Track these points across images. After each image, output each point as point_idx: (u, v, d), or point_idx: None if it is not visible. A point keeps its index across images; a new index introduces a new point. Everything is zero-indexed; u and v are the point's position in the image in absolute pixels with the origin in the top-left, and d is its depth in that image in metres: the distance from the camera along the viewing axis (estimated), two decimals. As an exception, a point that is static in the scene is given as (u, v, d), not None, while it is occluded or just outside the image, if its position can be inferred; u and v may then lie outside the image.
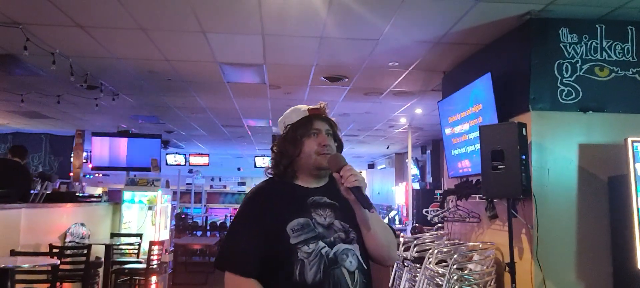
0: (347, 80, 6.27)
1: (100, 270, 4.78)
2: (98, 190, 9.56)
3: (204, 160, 14.85)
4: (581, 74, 3.95)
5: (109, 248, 5.58)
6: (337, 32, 4.53)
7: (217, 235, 12.78)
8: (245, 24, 4.43)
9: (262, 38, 4.76)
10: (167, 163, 14.19)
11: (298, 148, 1.71)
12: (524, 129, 3.71)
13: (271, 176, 1.78)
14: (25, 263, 4.12)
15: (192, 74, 6.24)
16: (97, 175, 14.66)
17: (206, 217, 14.76)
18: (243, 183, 26.84)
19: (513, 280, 3.67)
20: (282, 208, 1.63)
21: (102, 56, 5.39)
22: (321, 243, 1.58)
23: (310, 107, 1.80)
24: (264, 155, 14.41)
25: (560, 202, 3.84)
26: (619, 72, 3.96)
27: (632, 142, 3.51)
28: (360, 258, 1.64)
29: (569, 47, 3.96)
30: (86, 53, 5.30)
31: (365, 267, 1.65)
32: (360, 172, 1.81)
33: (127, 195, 7.15)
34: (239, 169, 20.78)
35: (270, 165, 1.80)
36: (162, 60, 5.52)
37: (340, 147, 1.82)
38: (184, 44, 5.03)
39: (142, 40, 4.85)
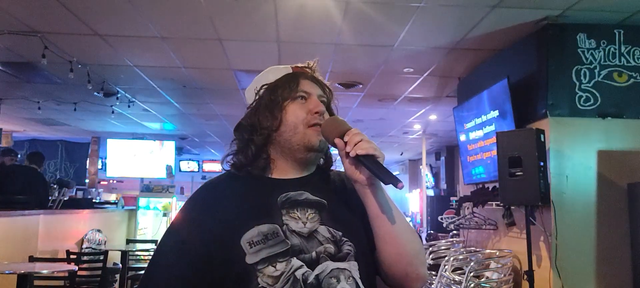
0: (361, 86, 6.27)
1: (117, 276, 4.81)
2: (113, 197, 9.65)
3: (217, 166, 14.92)
4: (599, 79, 3.91)
5: (125, 254, 5.62)
6: (352, 38, 4.53)
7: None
8: (261, 31, 4.45)
9: (278, 45, 4.78)
10: (180, 170, 14.28)
11: (277, 117, 1.17)
12: (542, 135, 3.68)
13: (231, 168, 1.21)
14: (43, 269, 4.16)
15: (207, 81, 6.28)
16: (112, 181, 14.78)
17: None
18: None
19: (532, 288, 3.63)
20: (235, 211, 1.10)
21: (120, 64, 5.45)
22: (295, 262, 1.04)
23: (296, 64, 1.29)
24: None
25: (579, 209, 3.80)
26: (638, 77, 3.91)
27: (653, 148, 3.47)
28: (359, 283, 1.07)
29: (587, 53, 3.93)
30: (104, 61, 5.36)
31: None
32: None
33: (142, 201, 7.20)
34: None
35: (231, 151, 1.22)
36: (178, 67, 5.57)
37: None
38: (200, 51, 5.07)
39: (160, 48, 4.90)
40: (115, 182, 15.18)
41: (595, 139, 3.87)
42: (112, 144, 10.39)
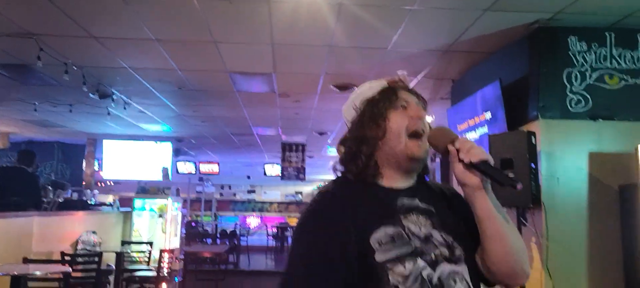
0: (356, 88, 6.28)
1: (111, 278, 4.82)
2: (109, 198, 9.65)
3: (214, 168, 14.94)
4: (591, 82, 3.94)
5: (119, 255, 5.63)
6: (345, 41, 4.56)
7: (227, 242, 12.81)
8: (255, 34, 4.47)
9: (272, 47, 4.80)
10: (177, 172, 14.29)
11: (382, 127, 1.23)
12: (533, 138, 3.70)
13: (341, 175, 1.29)
14: (37, 270, 4.17)
15: (203, 84, 6.30)
16: (108, 183, 14.78)
17: (216, 225, 14.78)
18: (253, 191, 26.91)
19: (523, 289, 3.65)
20: (362, 214, 1.16)
21: (115, 66, 5.47)
22: (420, 262, 1.11)
23: (389, 78, 1.35)
24: (274, 163, 14.44)
25: (571, 211, 3.82)
26: (629, 80, 3.95)
27: (643, 150, 3.50)
28: (471, 285, 1.17)
29: (578, 56, 3.96)
30: (99, 63, 5.37)
31: None
32: None
33: (137, 203, 7.21)
34: (248, 177, 20.84)
35: (339, 162, 1.29)
36: (174, 69, 5.58)
37: None
38: (195, 53, 5.09)
39: (155, 51, 4.91)
40: (111, 183, 15.19)
41: (586, 141, 3.90)
42: (108, 145, 10.39)
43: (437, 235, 1.17)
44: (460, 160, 1.17)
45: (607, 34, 3.98)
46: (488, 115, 4.46)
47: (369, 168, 1.23)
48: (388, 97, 1.27)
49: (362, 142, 1.24)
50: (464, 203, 1.26)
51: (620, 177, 3.81)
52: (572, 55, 3.96)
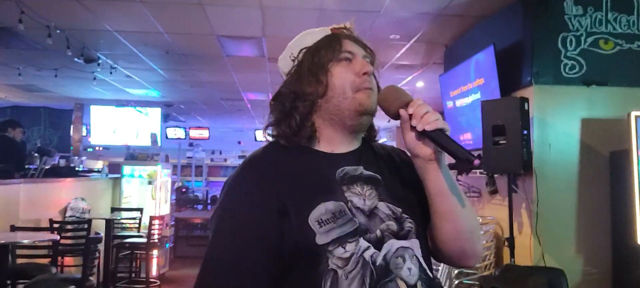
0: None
1: (101, 246, 4.79)
2: (98, 164, 9.55)
3: (204, 133, 14.83)
4: (585, 47, 3.88)
5: (109, 222, 5.59)
6: (337, 4, 4.44)
7: (218, 208, 12.83)
8: (243, -4, 4.35)
9: (261, 11, 4.68)
10: (167, 137, 14.17)
11: (323, 81, 1.07)
12: (526, 104, 3.66)
13: (273, 138, 1.12)
14: (25, 238, 4.12)
15: (191, 47, 6.16)
16: (97, 149, 14.67)
17: (207, 191, 14.79)
18: (244, 157, 26.96)
19: (512, 255, 3.67)
20: (297, 187, 1.01)
21: (99, 29, 5.32)
22: (363, 243, 0.98)
23: (333, 26, 1.18)
24: (265, 129, 14.36)
25: (561, 177, 3.81)
26: (624, 45, 3.89)
27: (636, 116, 3.47)
28: (422, 262, 1.03)
29: (574, 20, 3.89)
30: (82, 26, 5.21)
31: (431, 275, 1.05)
32: None
33: (126, 169, 7.13)
34: (239, 143, 20.77)
35: (271, 121, 1.12)
36: (160, 33, 5.44)
37: None
38: (182, 16, 4.94)
39: (140, 13, 4.77)
40: (100, 149, 15.07)
41: (579, 107, 3.87)
42: (95, 111, 10.24)
43: (383, 207, 1.03)
44: (413, 128, 1.03)
45: (603, -3, 3.90)
46: (481, 81, 4.40)
47: (305, 130, 1.07)
48: (331, 47, 1.09)
49: (297, 99, 1.07)
50: (415, 169, 1.11)
51: (612, 144, 3.80)
52: (567, 20, 3.89)
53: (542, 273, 3.35)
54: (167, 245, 7.16)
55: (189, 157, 19.42)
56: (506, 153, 3.63)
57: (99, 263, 4.89)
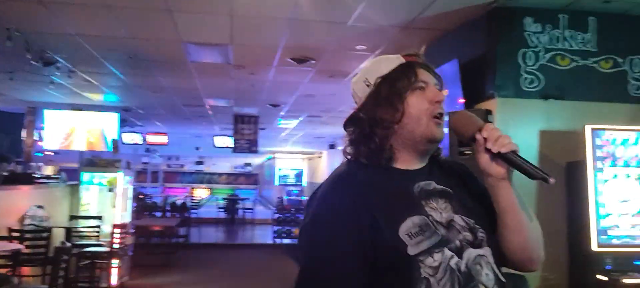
0: (313, 62, 6.26)
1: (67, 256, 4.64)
2: (48, 169, 9.22)
3: (162, 139, 14.55)
4: (544, 62, 4.08)
5: (69, 231, 5.43)
6: (307, 13, 4.49)
7: (177, 215, 12.63)
8: (214, 4, 4.34)
9: (231, 19, 4.68)
10: (123, 143, 13.82)
11: (399, 109, 1.16)
12: (489, 115, 3.82)
13: (352, 157, 1.21)
14: (-17, 248, 3.97)
15: (155, 53, 6.07)
16: (48, 154, 14.14)
17: (166, 198, 14.51)
18: (201, 163, 26.51)
19: (476, 261, 3.80)
20: (384, 203, 1.10)
21: (61, 33, 5.17)
22: (447, 252, 1.08)
23: (404, 52, 1.28)
24: (224, 135, 14.21)
25: (521, 186, 3.91)
26: (580, 61, 4.11)
27: (591, 129, 3.69)
28: (495, 268, 1.14)
29: (533, 36, 4.09)
30: (44, 29, 5.06)
31: (503, 280, 1.16)
32: None
33: (85, 176, 6.94)
34: (197, 149, 20.49)
35: (349, 142, 1.22)
36: (124, 38, 5.34)
37: None
38: (148, 21, 4.88)
39: (104, 17, 4.68)
40: (52, 154, 14.54)
41: (537, 119, 4.05)
42: (49, 115, 9.88)
43: (458, 219, 1.14)
44: (487, 150, 1.14)
45: (560, 16, 4.11)
46: (446, 92, 4.54)
47: (384, 152, 1.17)
48: (406, 76, 1.20)
49: (376, 124, 1.17)
50: (476, 180, 1.27)
51: (568, 155, 4.00)
52: (526, 36, 4.08)
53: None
54: (127, 253, 7.00)
55: (144, 163, 18.98)
56: (471, 163, 3.76)
57: (58, 273, 4.73)
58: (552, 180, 1.10)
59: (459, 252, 1.09)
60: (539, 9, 4.09)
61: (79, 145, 9.57)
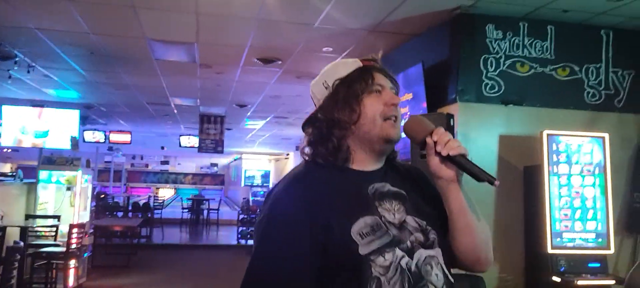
0: (280, 62, 6.25)
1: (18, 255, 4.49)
2: (6, 167, 8.90)
3: (125, 137, 14.23)
4: (504, 68, 4.19)
5: (24, 230, 5.26)
6: (274, 13, 4.49)
7: (140, 215, 12.38)
8: (179, 1, 4.28)
9: (196, 17, 4.63)
10: (84, 141, 13.46)
11: (356, 111, 1.21)
12: (451, 120, 3.90)
13: (310, 158, 1.25)
14: None
15: (118, 49, 5.95)
16: (5, 150, 13.69)
17: (128, 198, 14.21)
18: (166, 163, 26.10)
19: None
20: (339, 203, 1.14)
21: (19, 26, 5.01)
22: (398, 252, 1.12)
23: (363, 57, 1.31)
24: (190, 135, 14.02)
25: (480, 189, 4.00)
26: (538, 68, 4.24)
27: (547, 134, 3.80)
28: (445, 269, 1.18)
29: (494, 43, 4.19)
30: (2, 22, 4.90)
31: (452, 281, 1.20)
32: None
33: (43, 174, 6.73)
34: (162, 148, 20.15)
35: (307, 143, 1.26)
36: (86, 33, 5.22)
37: None
38: (111, 17, 4.78)
39: (65, 11, 4.55)
40: (9, 150, 14.05)
41: (497, 124, 4.16)
42: (7, 111, 9.54)
43: (411, 221, 1.18)
44: (437, 153, 1.18)
45: (521, 23, 4.23)
46: (410, 96, 4.62)
47: (341, 152, 1.21)
48: (363, 79, 1.23)
49: (333, 125, 1.21)
50: (430, 184, 1.28)
51: (526, 159, 4.11)
52: (488, 43, 4.18)
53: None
54: (86, 254, 6.82)
55: (107, 162, 18.54)
56: (428, 167, 3.82)
57: (12, 274, 4.57)
58: (497, 183, 1.14)
59: (410, 252, 1.13)
60: (500, 17, 4.19)
61: (38, 142, 9.28)
